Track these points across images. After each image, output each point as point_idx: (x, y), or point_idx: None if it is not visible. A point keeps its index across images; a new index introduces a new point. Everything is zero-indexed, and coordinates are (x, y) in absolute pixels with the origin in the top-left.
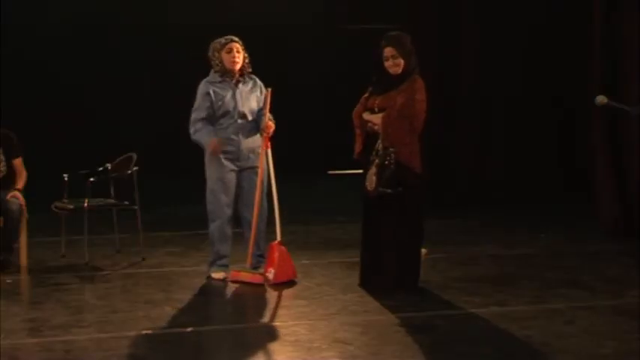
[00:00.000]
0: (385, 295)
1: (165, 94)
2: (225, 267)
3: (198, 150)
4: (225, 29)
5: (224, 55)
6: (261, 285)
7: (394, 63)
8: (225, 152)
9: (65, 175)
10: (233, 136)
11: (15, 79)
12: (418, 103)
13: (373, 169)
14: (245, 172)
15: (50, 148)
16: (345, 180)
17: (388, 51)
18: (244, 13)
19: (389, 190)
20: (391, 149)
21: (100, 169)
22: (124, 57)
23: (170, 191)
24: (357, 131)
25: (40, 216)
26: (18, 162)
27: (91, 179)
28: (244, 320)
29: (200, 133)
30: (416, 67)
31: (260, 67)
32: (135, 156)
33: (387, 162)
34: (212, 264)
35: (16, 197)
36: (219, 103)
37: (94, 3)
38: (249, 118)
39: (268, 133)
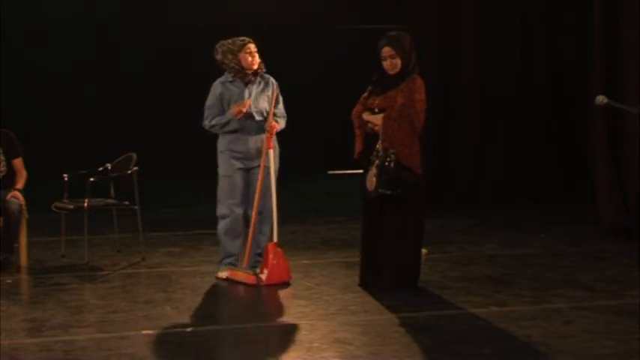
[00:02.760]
0: (385, 295)
1: (166, 94)
2: (232, 266)
3: (198, 150)
4: (226, 29)
5: (244, 56)
6: (254, 285)
7: (391, 63)
8: (233, 151)
9: (65, 175)
10: (240, 136)
11: (15, 79)
12: (418, 102)
13: (373, 170)
14: (253, 171)
15: (50, 148)
16: (345, 180)
17: (386, 51)
18: (244, 13)
19: (388, 192)
20: (391, 150)
21: (100, 169)
22: (124, 57)
23: (170, 191)
24: (357, 131)
25: (40, 216)
26: (18, 162)
27: (91, 179)
28: (244, 320)
29: (218, 117)
30: (415, 66)
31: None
32: (135, 156)
33: (386, 163)
34: (219, 262)
35: (16, 197)
36: (229, 102)
37: (94, 3)
38: (257, 118)
39: (271, 133)
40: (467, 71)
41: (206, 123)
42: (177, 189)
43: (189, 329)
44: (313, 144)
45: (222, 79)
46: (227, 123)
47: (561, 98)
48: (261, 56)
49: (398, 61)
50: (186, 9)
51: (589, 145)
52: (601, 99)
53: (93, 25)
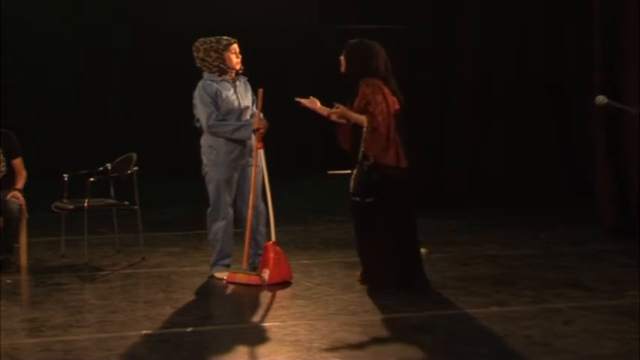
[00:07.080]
0: (385, 295)
1: (166, 94)
2: (228, 267)
3: (198, 149)
4: (225, 29)
5: (229, 56)
6: (258, 286)
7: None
8: (231, 152)
9: (65, 175)
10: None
11: (14, 79)
12: (372, 105)
13: (354, 174)
14: (244, 171)
15: (50, 148)
16: (345, 180)
17: None
18: (244, 13)
19: (357, 199)
20: (365, 162)
21: (100, 169)
22: (123, 57)
23: (170, 191)
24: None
25: (40, 216)
26: (18, 162)
27: (91, 179)
28: (244, 320)
29: (240, 128)
30: (365, 70)
31: (259, 67)
32: (135, 156)
33: (362, 172)
34: (215, 264)
35: (16, 197)
36: (224, 101)
37: (94, 3)
38: (247, 115)
39: (261, 133)
40: (467, 71)
41: (211, 123)
42: (178, 189)
43: (188, 329)
44: (313, 144)
45: (208, 78)
46: (238, 129)
47: (561, 98)
48: (258, 56)
49: (341, 59)
50: (186, 9)
51: (589, 145)
52: (601, 99)
53: (93, 26)
